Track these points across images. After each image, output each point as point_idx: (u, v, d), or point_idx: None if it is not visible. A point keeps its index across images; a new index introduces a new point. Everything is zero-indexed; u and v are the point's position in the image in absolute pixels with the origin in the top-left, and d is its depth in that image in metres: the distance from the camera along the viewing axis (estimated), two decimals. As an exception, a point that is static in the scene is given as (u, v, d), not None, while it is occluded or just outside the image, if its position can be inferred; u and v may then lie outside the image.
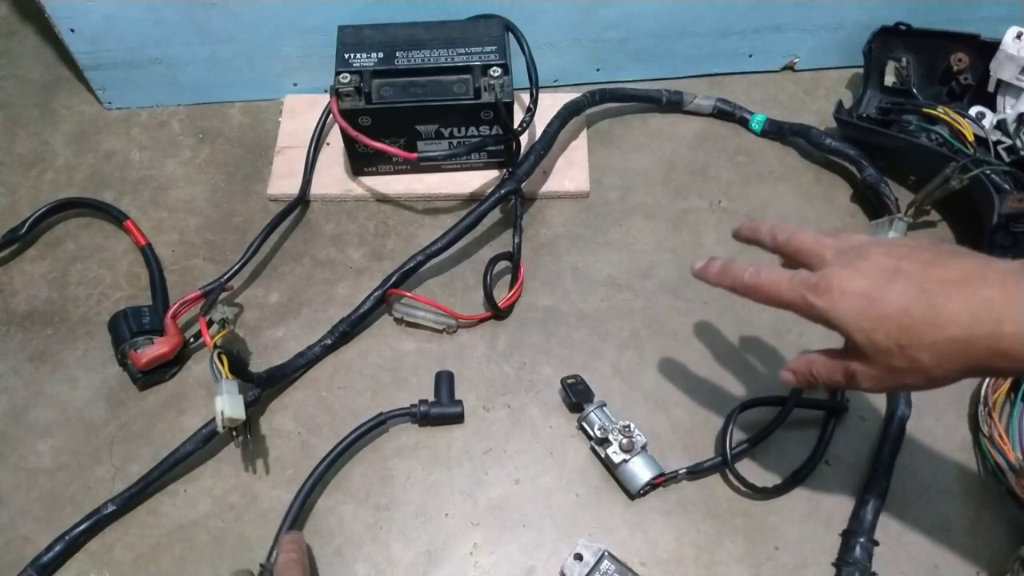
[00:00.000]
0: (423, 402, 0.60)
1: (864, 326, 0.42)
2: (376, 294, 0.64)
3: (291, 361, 0.63)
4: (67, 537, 0.56)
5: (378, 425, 0.59)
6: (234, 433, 0.57)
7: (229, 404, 0.54)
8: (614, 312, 0.66)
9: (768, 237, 0.50)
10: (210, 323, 0.60)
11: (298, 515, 0.56)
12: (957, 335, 0.39)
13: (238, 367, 0.56)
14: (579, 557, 0.55)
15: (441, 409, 0.60)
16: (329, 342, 0.64)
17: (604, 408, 0.60)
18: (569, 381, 0.61)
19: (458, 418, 0.61)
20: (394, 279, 0.64)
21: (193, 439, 0.59)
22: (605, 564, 0.54)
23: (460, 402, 0.61)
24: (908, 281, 0.41)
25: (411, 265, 0.65)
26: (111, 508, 0.57)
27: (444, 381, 0.62)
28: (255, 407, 0.61)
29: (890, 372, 0.42)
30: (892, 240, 0.45)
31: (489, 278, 0.65)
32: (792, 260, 0.48)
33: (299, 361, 0.63)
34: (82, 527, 0.56)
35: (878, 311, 0.41)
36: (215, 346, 0.57)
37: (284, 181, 0.73)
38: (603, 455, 0.58)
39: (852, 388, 0.45)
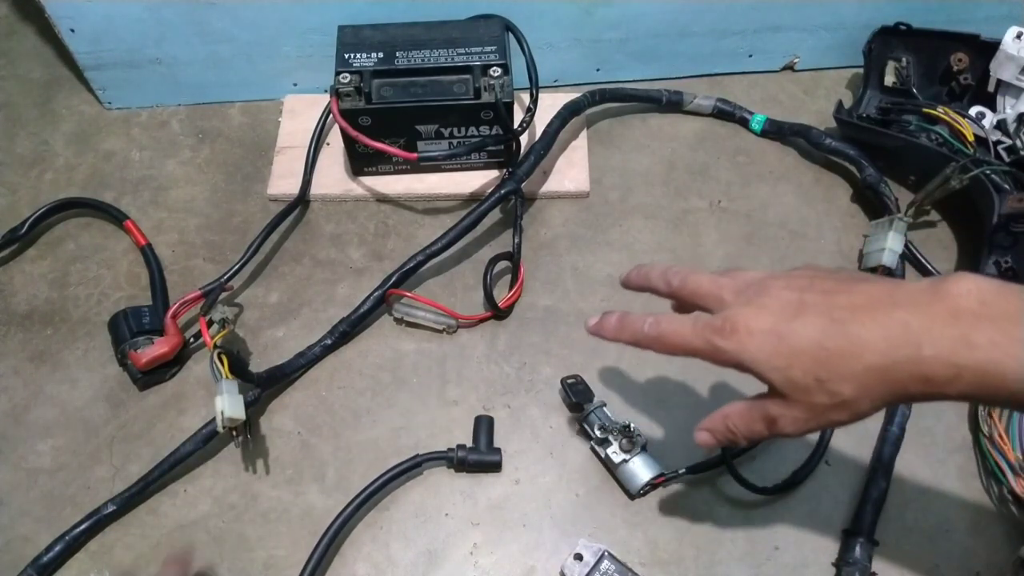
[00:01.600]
0: (461, 447, 0.58)
1: (778, 364, 0.39)
2: (376, 294, 0.64)
3: (291, 361, 0.63)
4: (67, 537, 0.56)
5: (413, 467, 0.58)
6: (234, 433, 0.57)
7: (229, 404, 0.54)
8: (614, 312, 0.66)
9: (661, 282, 0.47)
10: (210, 323, 0.60)
11: (328, 548, 0.55)
12: (876, 363, 0.37)
13: (238, 367, 0.57)
14: (579, 557, 0.55)
15: (479, 456, 0.59)
16: (329, 342, 0.64)
17: (604, 408, 0.60)
18: (569, 381, 0.61)
19: (496, 467, 0.59)
20: (394, 279, 0.64)
21: (193, 439, 0.59)
22: (605, 564, 0.54)
23: (499, 450, 0.59)
24: (815, 312, 0.39)
25: (411, 265, 0.65)
26: (111, 508, 0.57)
27: (484, 427, 0.60)
28: (255, 407, 0.61)
29: (812, 410, 0.40)
30: (789, 273, 0.42)
31: (489, 278, 0.65)
32: (688, 304, 0.45)
33: (299, 361, 0.63)
34: (82, 527, 0.56)
35: (790, 347, 0.39)
36: (215, 346, 0.57)
37: (284, 181, 0.73)
38: (603, 455, 0.58)
39: (775, 435, 0.42)
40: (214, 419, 0.55)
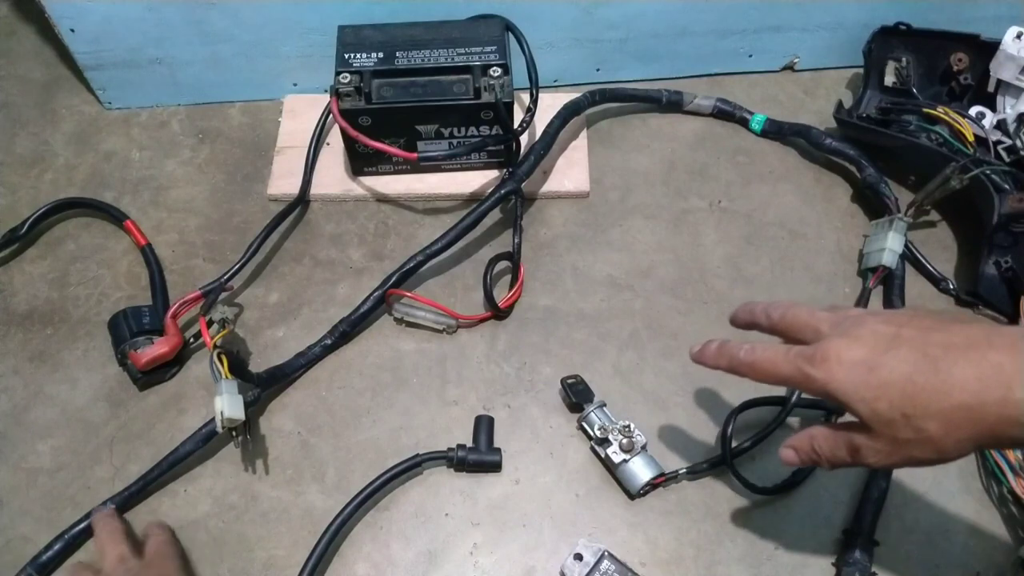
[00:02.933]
0: (461, 447, 0.58)
1: (866, 395, 0.40)
2: (376, 294, 0.64)
3: (291, 361, 0.63)
4: (67, 536, 0.56)
5: (413, 467, 0.58)
6: (234, 433, 0.57)
7: (229, 404, 0.55)
8: (614, 312, 0.67)
9: (763, 317, 0.48)
10: (210, 323, 0.60)
11: (328, 547, 0.55)
12: (965, 401, 0.37)
13: (238, 367, 0.57)
14: (579, 557, 0.55)
15: (479, 456, 0.58)
16: (329, 342, 0.64)
17: (604, 408, 0.60)
18: (569, 381, 0.61)
19: (496, 467, 0.59)
20: (394, 279, 0.64)
21: (193, 439, 0.59)
22: (605, 564, 0.54)
23: (499, 450, 0.59)
24: (910, 347, 0.39)
25: (411, 265, 0.65)
26: (111, 508, 0.57)
27: (484, 427, 0.60)
28: (255, 407, 0.61)
29: (896, 444, 0.40)
30: (889, 310, 0.43)
31: (489, 278, 0.65)
32: (789, 338, 0.46)
33: (299, 361, 0.63)
34: (82, 527, 0.56)
35: (879, 379, 0.39)
36: (215, 346, 0.57)
37: (284, 181, 0.73)
38: (603, 455, 0.58)
39: (858, 464, 0.43)
40: (214, 419, 0.55)
